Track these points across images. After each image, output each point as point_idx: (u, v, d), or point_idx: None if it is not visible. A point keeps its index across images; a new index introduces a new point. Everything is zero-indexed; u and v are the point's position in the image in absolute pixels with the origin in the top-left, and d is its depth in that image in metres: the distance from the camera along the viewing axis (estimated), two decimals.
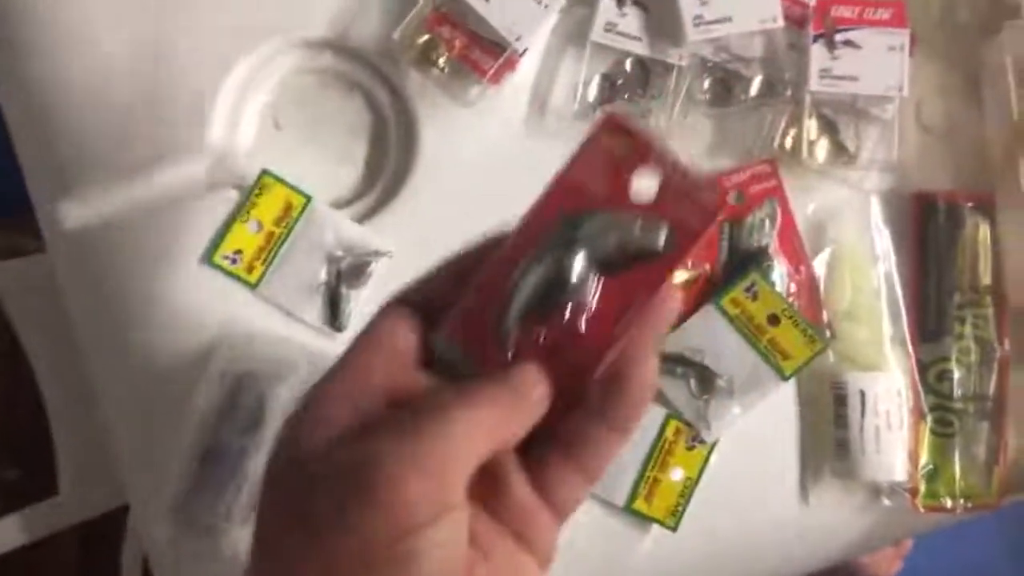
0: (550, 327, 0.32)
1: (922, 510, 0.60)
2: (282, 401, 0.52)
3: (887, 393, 0.58)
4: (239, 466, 0.51)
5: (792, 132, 0.60)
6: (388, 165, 0.59)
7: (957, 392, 0.61)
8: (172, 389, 0.55)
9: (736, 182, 0.61)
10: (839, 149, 0.60)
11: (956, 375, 0.61)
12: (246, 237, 0.56)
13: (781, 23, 0.58)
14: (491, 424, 0.30)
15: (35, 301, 0.70)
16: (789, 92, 0.59)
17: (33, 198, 0.58)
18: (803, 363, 0.57)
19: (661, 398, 0.58)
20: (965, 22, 0.62)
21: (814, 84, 0.59)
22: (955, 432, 0.61)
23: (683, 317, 0.59)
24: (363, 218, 0.58)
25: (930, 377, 0.61)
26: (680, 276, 0.59)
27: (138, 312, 0.56)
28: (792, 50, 0.60)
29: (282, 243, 0.56)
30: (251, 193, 0.56)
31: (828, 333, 0.60)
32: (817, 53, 0.59)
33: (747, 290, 0.58)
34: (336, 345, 0.56)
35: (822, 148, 0.60)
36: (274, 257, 0.56)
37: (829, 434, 0.59)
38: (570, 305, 0.32)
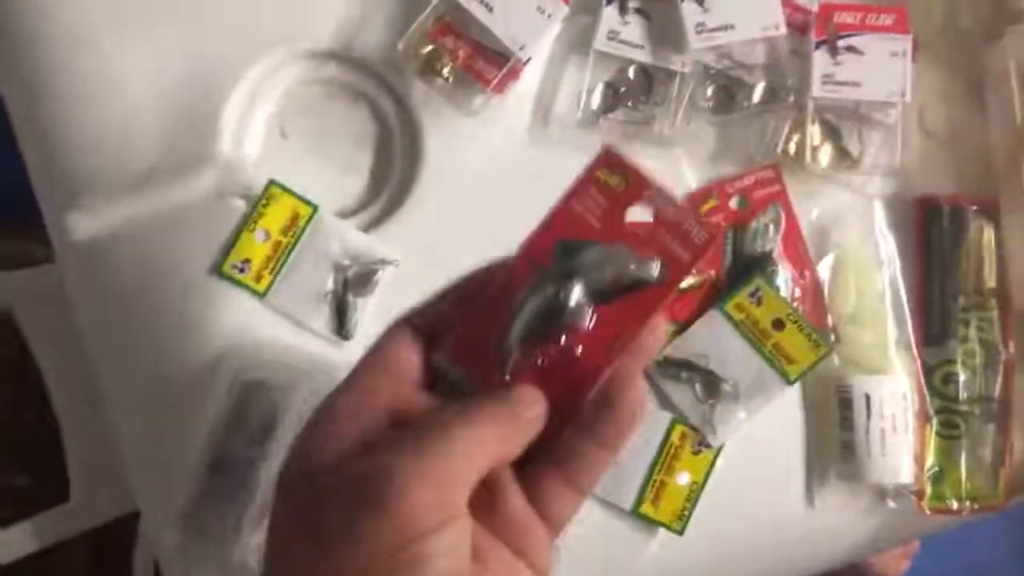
0: (548, 350, 0.34)
1: (928, 512, 0.60)
2: (291, 410, 0.52)
3: (892, 396, 0.58)
4: (248, 475, 0.51)
5: (795, 138, 0.60)
6: (393, 174, 0.59)
7: (962, 395, 0.61)
8: (181, 398, 0.55)
9: (740, 187, 0.61)
10: (842, 154, 0.61)
11: (961, 378, 0.61)
12: (254, 246, 0.57)
13: (783, 30, 0.58)
14: (490, 441, 0.31)
15: (45, 310, 0.71)
16: (792, 98, 0.60)
17: (42, 209, 0.59)
18: (808, 367, 0.58)
19: (667, 403, 0.59)
20: (968, 27, 0.62)
21: (817, 90, 0.59)
22: (961, 434, 0.61)
23: (688, 322, 0.59)
24: (369, 227, 0.58)
25: (935, 380, 0.61)
26: (686, 282, 0.59)
27: (147, 322, 0.56)
28: (795, 56, 0.60)
29: (289, 252, 0.57)
30: (258, 203, 0.57)
31: (833, 337, 0.60)
32: (820, 59, 0.59)
33: (752, 295, 0.58)
34: (343, 353, 0.56)
35: (825, 153, 0.60)
36: (282, 266, 0.57)
37: (835, 437, 0.59)
38: (567, 330, 0.34)
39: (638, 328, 0.34)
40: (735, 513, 0.59)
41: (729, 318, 0.58)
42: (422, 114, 0.59)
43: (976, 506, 0.61)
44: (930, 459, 0.61)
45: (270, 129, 0.59)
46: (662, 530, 0.58)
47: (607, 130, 0.59)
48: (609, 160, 0.35)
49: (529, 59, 0.58)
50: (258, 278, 0.56)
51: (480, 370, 0.34)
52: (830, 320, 0.60)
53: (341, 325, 0.57)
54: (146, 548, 0.72)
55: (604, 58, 0.59)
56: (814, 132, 0.60)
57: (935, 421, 0.61)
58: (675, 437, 0.58)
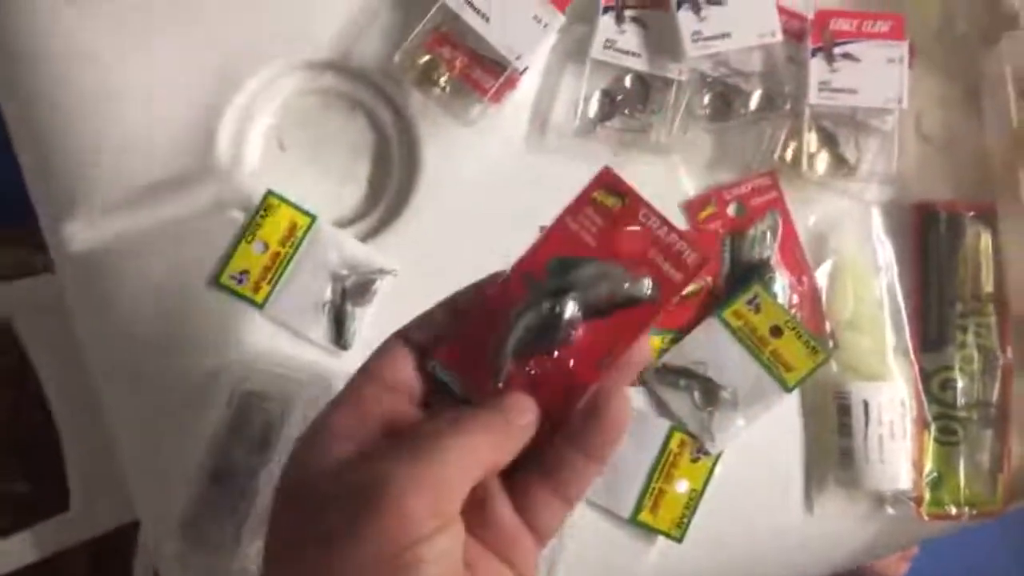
0: (541, 361, 0.35)
1: (926, 518, 0.60)
2: (290, 420, 0.52)
3: (890, 403, 0.58)
4: (248, 484, 0.51)
5: (792, 145, 0.60)
6: (391, 184, 0.59)
7: (960, 400, 0.61)
8: (180, 408, 0.55)
9: (737, 195, 0.61)
10: (839, 161, 0.61)
11: (959, 384, 0.61)
12: (252, 257, 0.57)
13: (780, 37, 0.59)
14: (483, 449, 0.33)
15: (44, 320, 0.71)
16: (788, 105, 0.60)
17: (41, 220, 0.59)
18: (806, 374, 0.58)
19: (665, 410, 0.59)
20: (964, 33, 0.62)
21: (813, 97, 0.59)
22: (959, 440, 0.61)
23: (686, 329, 0.59)
24: (367, 237, 0.58)
25: (933, 386, 0.61)
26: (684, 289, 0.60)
27: (146, 333, 0.56)
28: (791, 64, 0.60)
29: (288, 263, 0.57)
30: (256, 214, 0.57)
31: (831, 343, 0.60)
32: (816, 66, 0.59)
33: (749, 302, 0.58)
34: (342, 363, 0.56)
35: (822, 160, 0.60)
36: (280, 277, 0.57)
37: (833, 444, 0.59)
38: (560, 344, 0.35)
39: (629, 344, 0.35)
40: (734, 520, 0.59)
41: (727, 325, 0.58)
42: (419, 124, 0.59)
43: (974, 512, 0.61)
44: (928, 465, 0.61)
45: (268, 140, 0.59)
46: (661, 538, 0.58)
47: (604, 138, 0.59)
48: (606, 181, 0.37)
49: (526, 68, 0.58)
50: (256, 289, 0.56)
51: (474, 377, 0.35)
52: (828, 326, 0.61)
53: (339, 335, 0.57)
54: (145, 557, 0.72)
55: (601, 67, 0.59)
56: (811, 139, 0.60)
57: (933, 427, 0.61)
58: (674, 444, 0.58)
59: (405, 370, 0.35)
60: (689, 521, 0.58)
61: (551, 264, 0.36)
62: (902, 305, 0.61)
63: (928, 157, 0.63)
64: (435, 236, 0.58)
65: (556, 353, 0.35)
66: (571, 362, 0.35)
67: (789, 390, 0.58)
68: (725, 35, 0.58)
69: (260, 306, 0.56)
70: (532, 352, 0.35)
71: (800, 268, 0.61)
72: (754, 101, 0.60)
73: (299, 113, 0.60)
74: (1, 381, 0.81)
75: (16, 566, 0.70)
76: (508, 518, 0.34)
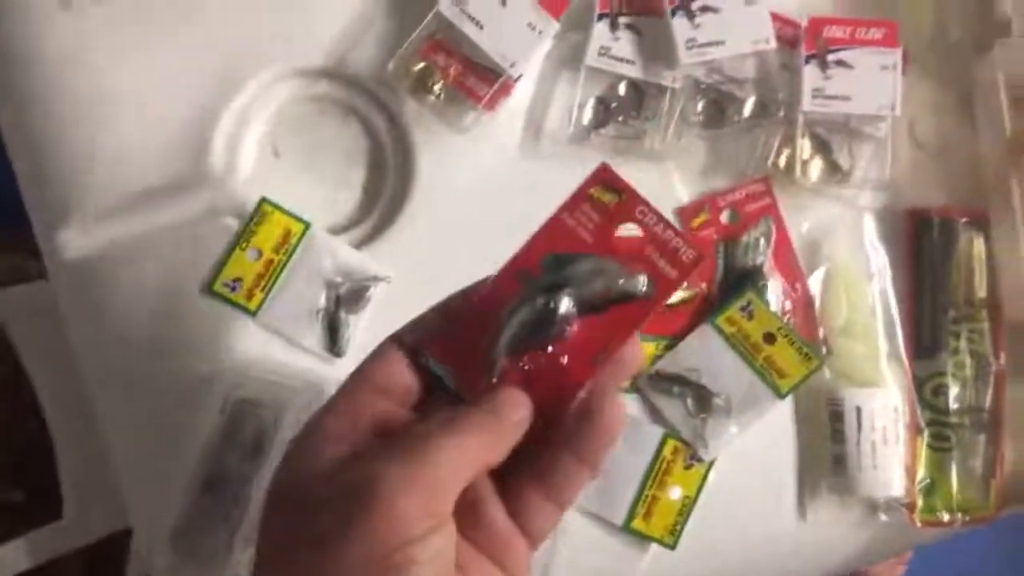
0: (535, 357, 0.35)
1: (919, 525, 0.60)
2: (283, 428, 0.52)
3: (883, 409, 0.58)
4: (241, 493, 0.51)
5: (786, 152, 0.60)
6: (385, 191, 0.59)
7: (953, 406, 0.61)
8: (173, 416, 0.55)
9: (731, 201, 0.61)
10: (833, 168, 0.61)
11: (952, 390, 0.61)
12: (246, 264, 0.57)
13: (773, 44, 0.59)
14: (475, 449, 0.33)
15: (38, 327, 0.71)
16: (782, 112, 0.60)
17: (35, 227, 0.59)
18: (799, 381, 0.58)
19: (659, 417, 0.59)
20: (957, 40, 0.63)
21: (807, 104, 0.59)
22: (952, 446, 0.61)
23: (680, 336, 0.59)
24: (361, 244, 0.58)
25: (926, 392, 0.61)
26: (677, 296, 0.60)
27: (140, 340, 0.56)
28: (785, 71, 0.60)
29: (281, 270, 0.57)
30: (250, 221, 0.57)
31: (824, 350, 0.60)
32: (810, 73, 0.59)
33: (743, 309, 0.58)
34: (336, 370, 0.56)
35: (816, 167, 0.61)
36: (273, 284, 0.57)
37: (826, 450, 0.59)
38: (554, 340, 0.35)
39: (623, 341, 0.35)
40: (727, 527, 0.59)
41: (720, 332, 0.58)
42: (414, 131, 0.59)
43: (967, 518, 0.61)
44: (921, 471, 0.61)
45: (262, 147, 0.59)
46: (654, 545, 0.58)
47: (598, 145, 0.60)
48: (603, 177, 0.36)
49: (520, 76, 0.58)
50: (249, 296, 0.56)
51: (467, 371, 0.35)
52: (821, 333, 0.61)
53: (333, 342, 0.57)
54: (139, 564, 0.72)
55: (595, 74, 0.59)
56: (804, 146, 0.60)
57: (926, 433, 0.61)
58: (667, 451, 0.58)
59: (398, 372, 0.35)
60: (682, 528, 0.58)
61: (546, 260, 0.36)
62: (895, 311, 0.61)
63: (921, 164, 0.63)
64: (429, 243, 0.58)
65: (550, 349, 0.35)
66: (565, 358, 0.35)
67: (782, 397, 0.58)
68: (719, 42, 0.58)
69: (253, 314, 0.56)
70: (526, 348, 0.35)
71: (793, 274, 0.61)
72: (748, 108, 0.60)
73: (293, 120, 0.60)
74: None
75: (10, 574, 0.70)
76: (501, 521, 0.34)
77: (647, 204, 0.36)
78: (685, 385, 0.58)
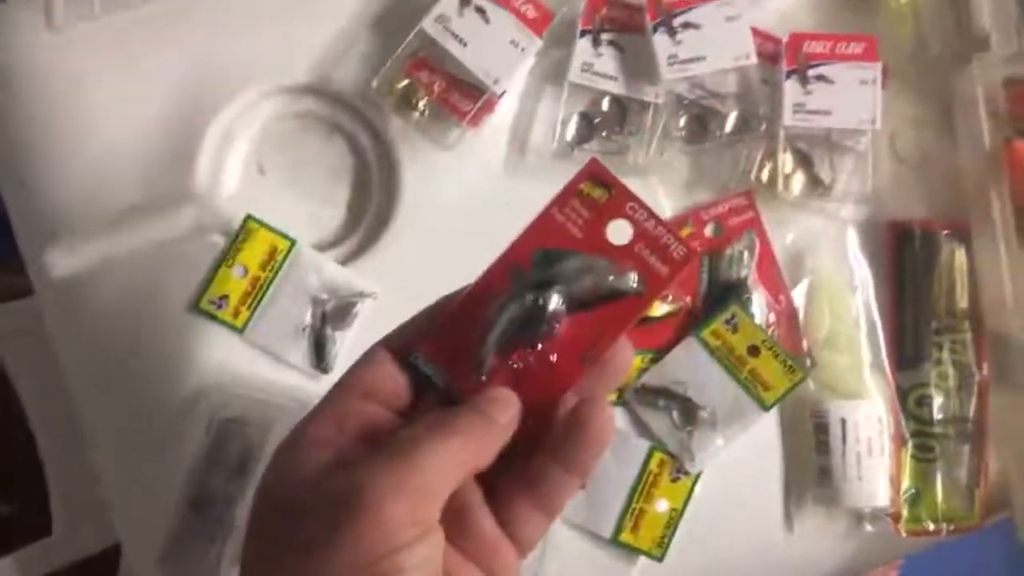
0: (524, 355, 0.35)
1: (905, 535, 0.61)
2: (269, 445, 0.53)
3: (868, 420, 0.59)
4: (227, 512, 0.51)
5: (768, 166, 0.61)
6: (371, 207, 0.60)
7: (937, 417, 0.62)
8: (160, 435, 0.55)
9: (714, 215, 0.62)
10: (814, 181, 0.61)
11: (936, 400, 0.62)
12: (232, 282, 0.57)
13: (754, 60, 0.59)
14: (462, 453, 0.32)
15: (27, 344, 0.71)
16: (764, 127, 0.60)
17: (21, 246, 0.59)
18: (783, 393, 0.58)
19: (645, 430, 0.59)
20: (937, 55, 0.63)
21: (788, 119, 0.60)
22: (936, 457, 0.62)
23: (665, 349, 0.60)
24: (347, 260, 0.59)
25: (910, 403, 0.62)
26: (662, 309, 0.60)
27: (126, 359, 0.57)
28: (766, 85, 0.61)
29: (268, 287, 0.57)
30: (236, 238, 0.57)
31: (808, 362, 0.61)
32: (790, 88, 0.60)
33: (727, 322, 0.59)
34: (322, 387, 0.56)
35: (797, 181, 0.61)
36: (260, 301, 0.57)
37: (812, 462, 0.60)
38: (543, 337, 0.35)
39: (613, 338, 0.35)
40: (715, 539, 0.59)
41: (705, 345, 0.59)
42: (399, 148, 0.59)
43: (952, 527, 0.61)
44: (906, 482, 0.61)
45: (247, 164, 0.59)
46: (642, 558, 0.58)
47: (582, 160, 0.59)
48: (593, 173, 0.36)
49: (504, 92, 0.58)
50: (236, 314, 0.57)
51: (456, 370, 0.35)
52: (806, 345, 0.61)
53: (320, 359, 0.57)
54: None
55: (578, 90, 0.60)
56: (786, 160, 0.61)
57: (910, 444, 0.61)
58: (653, 464, 0.58)
59: (387, 375, 0.35)
60: (670, 540, 0.58)
61: (535, 256, 0.35)
62: (878, 323, 0.62)
63: (902, 177, 0.64)
64: (415, 259, 0.58)
65: (540, 346, 0.35)
66: (555, 356, 0.35)
67: (767, 409, 0.58)
68: (700, 58, 0.58)
69: (240, 331, 0.57)
70: (515, 345, 0.35)
71: (777, 287, 0.61)
72: (730, 123, 0.61)
73: (278, 137, 0.60)
74: None
75: None
76: (488, 527, 0.34)
77: (637, 200, 0.36)
78: (671, 398, 0.59)
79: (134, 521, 0.56)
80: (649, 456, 0.58)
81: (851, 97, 0.60)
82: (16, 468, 0.79)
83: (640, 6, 0.60)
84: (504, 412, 0.34)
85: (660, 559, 0.58)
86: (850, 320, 0.62)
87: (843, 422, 0.58)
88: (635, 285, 0.35)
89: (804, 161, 0.61)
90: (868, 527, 0.60)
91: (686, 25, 0.59)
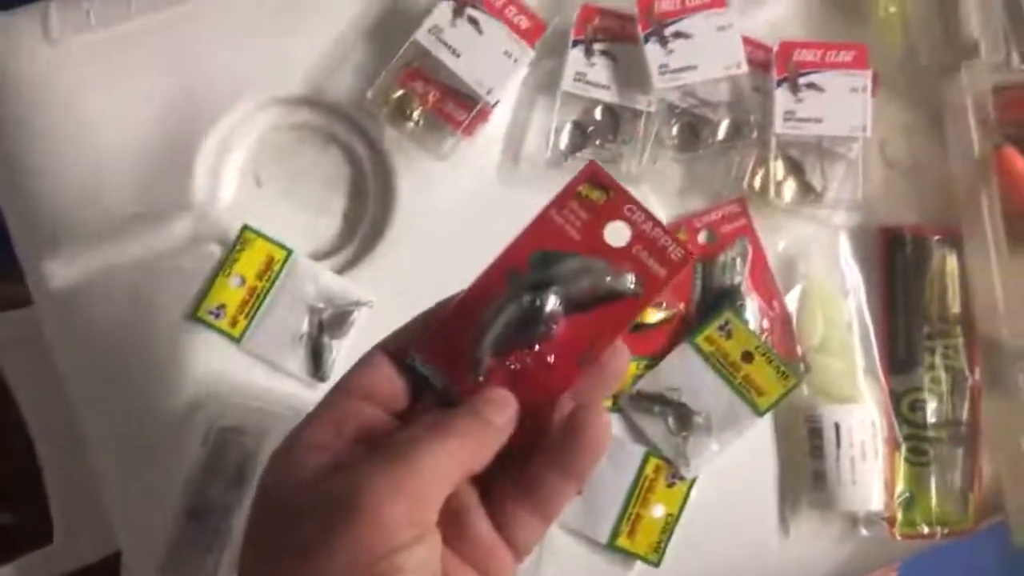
0: (521, 356, 0.35)
1: (899, 538, 0.61)
2: (266, 455, 0.53)
3: (861, 424, 0.59)
4: (224, 522, 0.52)
5: (760, 173, 0.61)
6: (366, 217, 0.60)
7: (930, 421, 0.62)
8: (159, 444, 0.56)
9: (707, 222, 0.62)
10: (806, 188, 0.62)
11: (929, 404, 0.62)
12: (229, 291, 0.57)
13: (745, 68, 0.60)
14: (460, 454, 0.32)
15: (26, 353, 0.71)
16: (755, 134, 0.61)
17: (19, 257, 0.59)
18: (777, 399, 0.58)
19: (640, 436, 0.59)
20: (926, 63, 0.64)
21: (779, 127, 0.60)
22: (930, 460, 0.62)
23: (659, 356, 0.60)
24: (343, 269, 0.59)
25: (903, 407, 0.62)
26: (656, 316, 0.61)
27: (125, 368, 0.57)
28: (757, 93, 0.61)
29: (265, 296, 0.58)
30: (233, 248, 0.58)
31: (802, 367, 0.61)
32: (781, 97, 0.61)
33: (721, 328, 0.59)
34: (319, 396, 0.56)
35: (789, 188, 0.62)
36: (257, 310, 0.57)
37: (806, 466, 0.60)
38: (541, 338, 0.35)
39: (611, 340, 0.35)
40: (711, 544, 0.60)
41: (699, 351, 0.59)
42: (394, 157, 0.60)
43: (947, 531, 0.62)
44: (900, 485, 0.62)
45: (244, 175, 0.60)
46: (639, 563, 0.58)
47: (576, 169, 0.59)
48: (591, 175, 0.36)
49: (497, 102, 0.59)
50: (233, 323, 0.57)
51: (453, 370, 0.35)
52: (799, 350, 0.61)
53: (317, 367, 0.57)
54: None
55: (571, 99, 0.60)
56: (778, 167, 0.61)
57: (904, 448, 0.62)
58: (649, 470, 0.59)
59: (384, 377, 0.35)
60: (666, 546, 0.58)
61: (533, 257, 0.35)
62: (871, 328, 0.62)
63: (893, 183, 0.64)
64: (411, 268, 0.59)
65: (537, 348, 0.35)
66: (552, 357, 0.35)
67: (761, 414, 0.59)
68: (691, 67, 0.59)
69: (237, 340, 0.57)
70: (512, 346, 0.35)
71: (770, 293, 0.62)
72: (722, 131, 0.61)
73: (275, 148, 0.61)
74: None
75: None
76: (485, 530, 0.34)
77: (635, 202, 0.36)
78: (666, 404, 0.59)
79: (134, 529, 0.57)
80: (645, 461, 0.59)
81: (841, 105, 0.60)
82: (16, 477, 0.79)
83: (632, 16, 0.60)
84: (501, 413, 0.34)
85: (656, 564, 0.58)
86: (843, 325, 0.62)
87: (837, 426, 0.59)
88: (633, 286, 0.35)
89: (795, 168, 0.62)
90: (863, 531, 0.60)
91: (677, 35, 0.59)
